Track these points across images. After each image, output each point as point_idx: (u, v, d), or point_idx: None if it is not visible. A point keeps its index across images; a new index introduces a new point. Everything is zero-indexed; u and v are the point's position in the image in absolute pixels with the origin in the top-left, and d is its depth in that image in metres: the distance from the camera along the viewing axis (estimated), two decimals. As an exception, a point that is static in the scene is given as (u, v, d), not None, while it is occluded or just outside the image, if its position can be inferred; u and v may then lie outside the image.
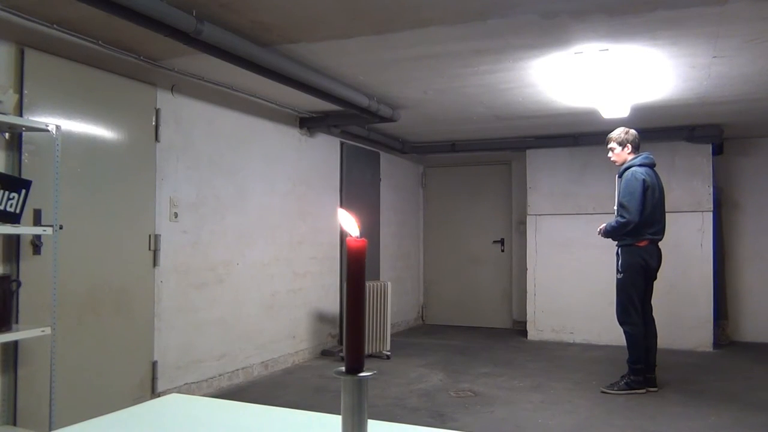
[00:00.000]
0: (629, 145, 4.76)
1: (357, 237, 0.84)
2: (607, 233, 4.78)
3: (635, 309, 4.68)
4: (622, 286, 4.72)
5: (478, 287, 8.21)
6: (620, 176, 4.78)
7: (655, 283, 4.84)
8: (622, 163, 4.78)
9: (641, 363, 4.67)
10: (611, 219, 4.78)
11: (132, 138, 4.00)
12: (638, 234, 4.63)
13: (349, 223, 0.86)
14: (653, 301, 4.88)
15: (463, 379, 5.11)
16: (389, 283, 6.05)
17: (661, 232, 4.75)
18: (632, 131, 4.81)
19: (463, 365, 5.67)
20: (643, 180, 4.60)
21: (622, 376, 4.74)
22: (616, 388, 4.68)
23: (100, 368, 3.72)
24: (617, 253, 4.78)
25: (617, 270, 4.76)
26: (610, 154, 4.86)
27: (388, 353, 5.94)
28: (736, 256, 6.97)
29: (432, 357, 6.05)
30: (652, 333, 4.79)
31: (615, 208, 4.78)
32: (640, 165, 4.69)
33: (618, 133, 4.81)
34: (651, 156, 4.79)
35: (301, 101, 5.22)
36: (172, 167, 4.31)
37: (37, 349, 3.26)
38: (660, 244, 4.77)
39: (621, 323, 4.76)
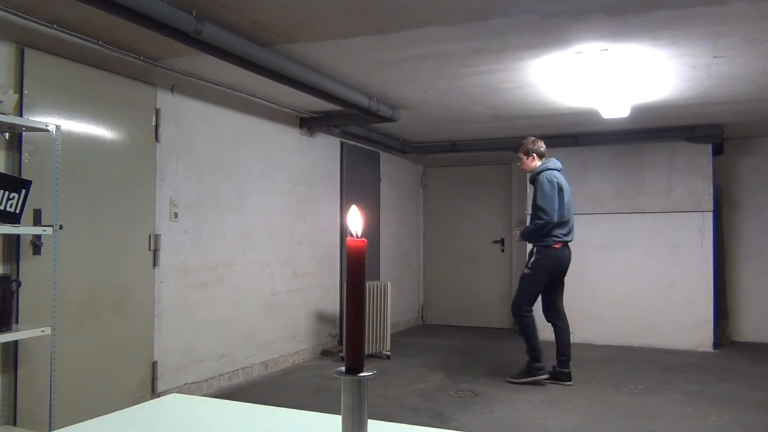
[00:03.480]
0: (534, 155, 5.05)
1: (357, 237, 0.84)
2: (527, 235, 5.04)
3: (530, 303, 4.97)
4: (526, 282, 4.99)
5: (478, 287, 8.20)
6: (531, 182, 5.07)
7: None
8: (531, 171, 5.07)
9: (538, 350, 4.94)
10: (528, 223, 5.16)
11: (132, 138, 4.00)
12: (554, 237, 4.88)
13: (356, 221, 0.86)
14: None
15: (463, 379, 5.11)
16: (389, 283, 6.06)
17: (571, 232, 5.00)
18: (539, 141, 5.09)
19: (463, 365, 5.68)
20: (557, 182, 4.88)
21: (527, 364, 4.98)
22: (520, 378, 4.93)
23: (100, 368, 3.72)
24: (531, 251, 5.00)
25: (526, 265, 5.02)
26: (519, 162, 5.16)
27: (388, 353, 5.94)
28: (736, 256, 6.97)
29: (432, 357, 6.05)
30: (566, 328, 5.03)
31: (527, 213, 5.05)
32: (551, 169, 4.96)
33: (524, 143, 5.11)
34: (558, 161, 5.06)
35: (301, 101, 5.22)
36: (172, 167, 4.31)
37: (37, 349, 3.26)
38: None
39: (516, 314, 5.04)
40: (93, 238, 3.70)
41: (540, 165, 5.01)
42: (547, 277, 4.92)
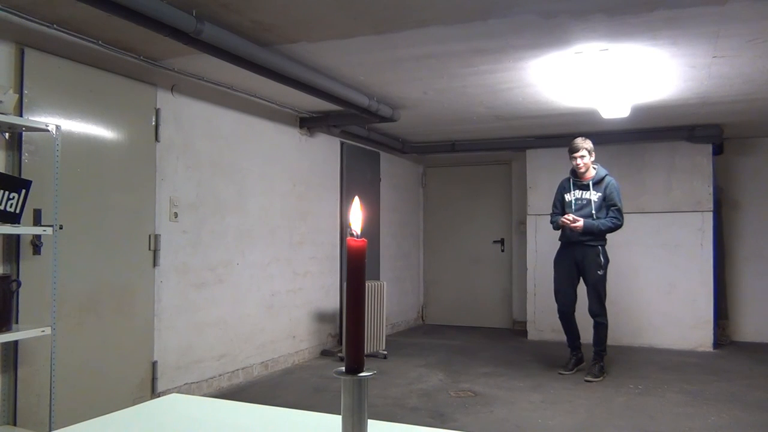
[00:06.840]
0: (593, 153, 5.17)
1: (357, 237, 0.84)
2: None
3: (605, 303, 5.18)
4: (603, 283, 5.13)
5: (478, 287, 8.20)
6: (595, 183, 5.13)
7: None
8: (586, 170, 5.13)
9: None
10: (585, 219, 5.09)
11: (132, 138, 4.00)
12: (606, 238, 5.18)
13: (356, 216, 0.86)
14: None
15: (463, 379, 5.11)
16: (385, 283, 6.08)
17: None
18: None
19: (463, 365, 5.67)
20: None
21: (594, 363, 5.12)
22: (598, 377, 5.04)
23: (100, 368, 3.72)
24: (598, 253, 5.10)
25: (600, 266, 5.09)
26: (579, 161, 5.10)
27: (384, 353, 5.95)
28: (736, 256, 6.97)
29: (432, 357, 6.05)
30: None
31: (593, 211, 5.06)
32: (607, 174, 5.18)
33: (585, 142, 5.11)
34: None
35: (301, 101, 5.22)
36: (172, 167, 4.31)
37: (37, 349, 3.26)
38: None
39: (597, 315, 5.13)
40: (93, 238, 3.70)
41: (598, 167, 5.19)
42: None
